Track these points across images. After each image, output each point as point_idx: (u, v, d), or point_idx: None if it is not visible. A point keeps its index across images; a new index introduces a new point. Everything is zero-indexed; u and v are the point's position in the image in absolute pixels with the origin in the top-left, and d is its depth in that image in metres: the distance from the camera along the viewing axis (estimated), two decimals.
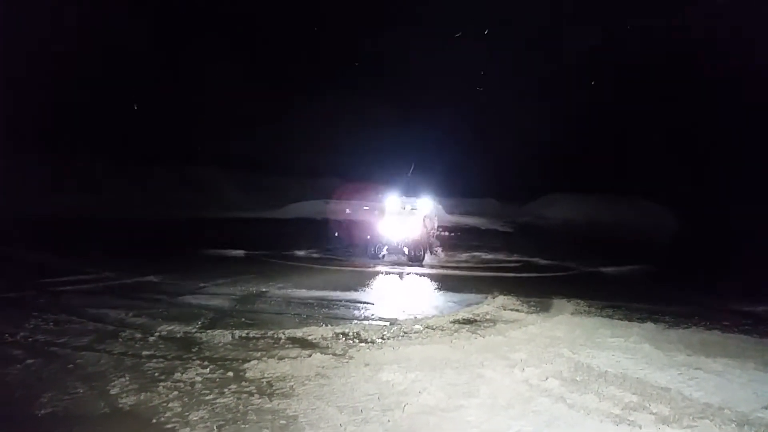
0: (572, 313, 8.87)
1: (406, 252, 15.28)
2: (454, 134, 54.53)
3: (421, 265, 14.63)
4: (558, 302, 9.69)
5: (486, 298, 9.78)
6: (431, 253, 15.74)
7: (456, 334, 7.31)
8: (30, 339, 6.35)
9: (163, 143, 41.56)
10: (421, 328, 7.54)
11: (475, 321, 8.16)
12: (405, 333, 7.25)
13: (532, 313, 8.82)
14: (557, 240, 28.36)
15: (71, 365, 5.52)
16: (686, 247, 26.91)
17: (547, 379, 5.53)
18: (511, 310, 9.01)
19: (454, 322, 8.06)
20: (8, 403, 4.65)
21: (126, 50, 39.99)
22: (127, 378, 5.18)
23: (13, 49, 30.34)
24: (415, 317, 8.20)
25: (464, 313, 8.62)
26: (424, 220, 15.79)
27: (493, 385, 5.32)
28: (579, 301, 9.86)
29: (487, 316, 8.49)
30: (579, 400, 5.03)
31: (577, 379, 5.62)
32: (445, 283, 11.47)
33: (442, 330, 7.53)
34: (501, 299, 9.66)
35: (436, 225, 16.55)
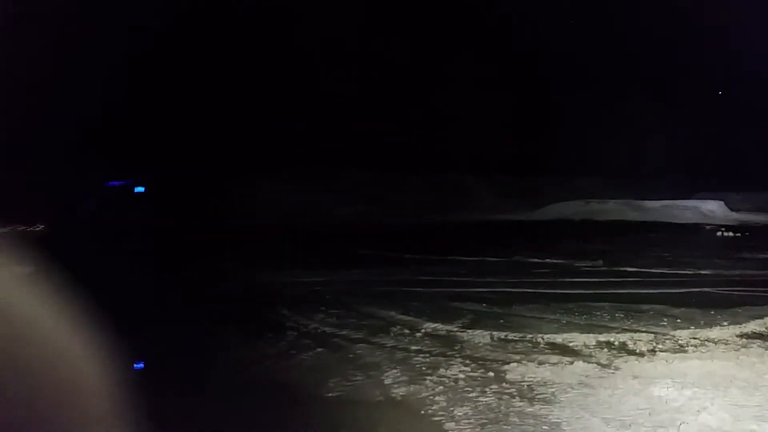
0: None
1: None
2: (741, 117, 47.06)
3: None
4: None
5: None
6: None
7: (744, 349, 6.35)
8: (319, 330, 7.33)
9: (418, 153, 43.73)
10: (699, 342, 6.75)
11: None
12: (680, 346, 6.56)
13: None
14: None
15: (351, 355, 6.23)
16: None
17: None
18: None
19: (741, 335, 7.02)
20: (303, 385, 5.45)
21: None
22: (398, 370, 5.65)
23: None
24: (691, 329, 7.35)
25: (754, 326, 7.46)
26: None
27: None
28: None
29: None
30: None
31: None
32: (729, 292, 10.07)
33: (725, 344, 6.62)
34: None
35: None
